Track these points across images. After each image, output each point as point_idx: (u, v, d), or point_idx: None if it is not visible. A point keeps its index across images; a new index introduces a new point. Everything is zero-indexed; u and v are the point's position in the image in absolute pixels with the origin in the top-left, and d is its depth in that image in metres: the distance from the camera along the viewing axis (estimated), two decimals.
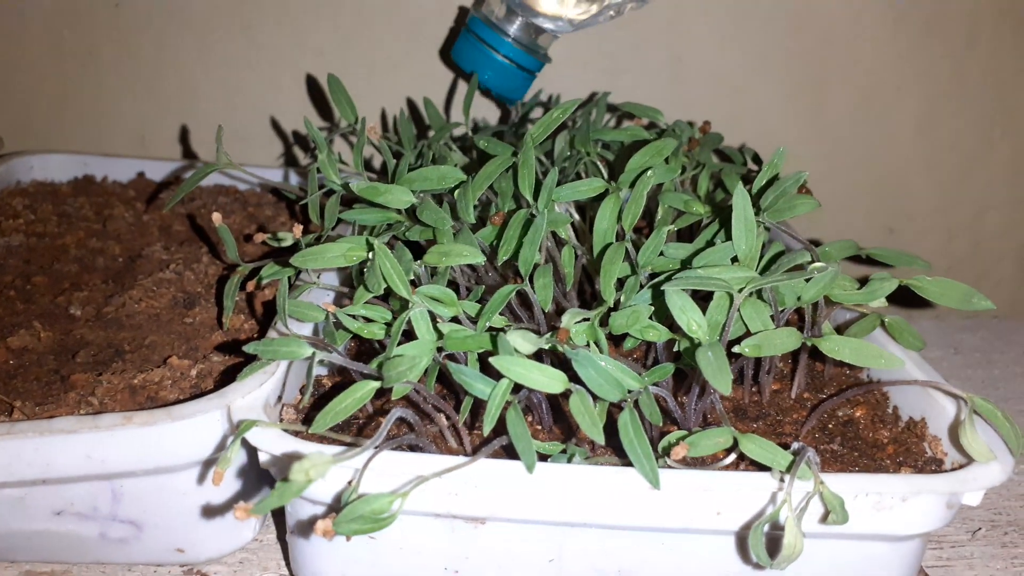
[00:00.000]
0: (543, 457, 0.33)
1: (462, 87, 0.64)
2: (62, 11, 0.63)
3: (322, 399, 0.38)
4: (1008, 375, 0.60)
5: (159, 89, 0.66)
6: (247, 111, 0.66)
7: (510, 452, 0.31)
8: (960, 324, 0.68)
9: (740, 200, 0.35)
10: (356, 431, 0.36)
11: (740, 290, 0.33)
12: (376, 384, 0.31)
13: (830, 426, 0.39)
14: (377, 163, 0.67)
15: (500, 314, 0.37)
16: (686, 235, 0.45)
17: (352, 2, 0.63)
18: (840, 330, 0.42)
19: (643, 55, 0.64)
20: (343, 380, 0.39)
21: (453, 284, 0.42)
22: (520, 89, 0.59)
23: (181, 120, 0.67)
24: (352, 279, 0.39)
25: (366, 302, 0.36)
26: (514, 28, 0.57)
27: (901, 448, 0.37)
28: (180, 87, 0.66)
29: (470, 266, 0.43)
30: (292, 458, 0.28)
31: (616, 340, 0.40)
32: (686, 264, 0.38)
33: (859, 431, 0.38)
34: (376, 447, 0.30)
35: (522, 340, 0.32)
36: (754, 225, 0.35)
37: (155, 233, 0.55)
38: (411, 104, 0.64)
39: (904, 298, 0.39)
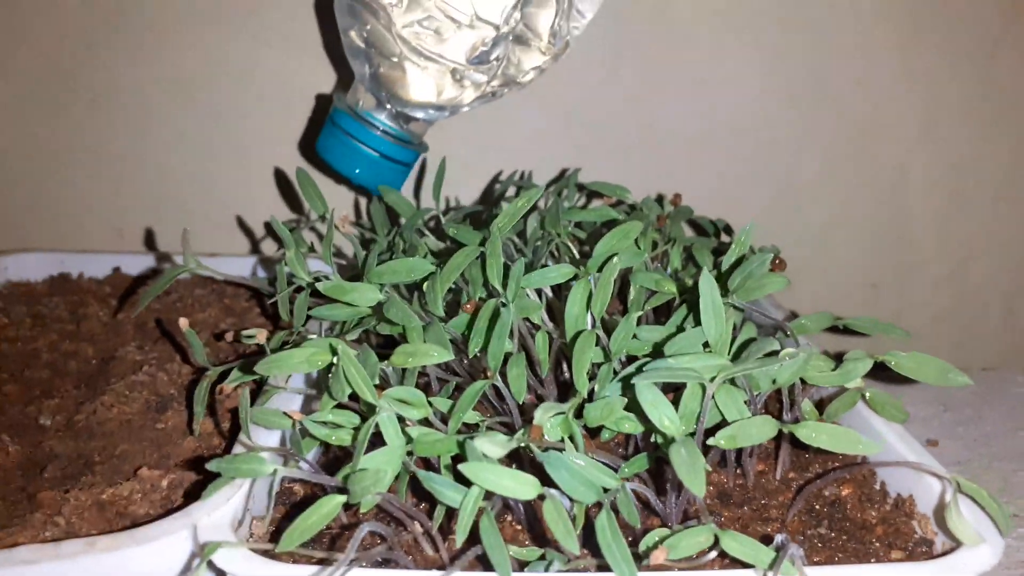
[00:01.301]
0: (522, 564, 0.32)
1: (432, 169, 0.64)
2: (36, 107, 0.64)
3: (295, 507, 0.37)
4: (1000, 431, 0.59)
5: (135, 182, 0.66)
6: (223, 200, 0.66)
7: (485, 561, 0.30)
8: None
9: (707, 287, 0.34)
10: (329, 543, 0.35)
11: (712, 379, 0.32)
12: (343, 498, 0.30)
13: (817, 507, 0.38)
14: (350, 251, 0.67)
15: (475, 408, 0.37)
16: (663, 311, 0.45)
17: (324, 90, 0.63)
18: (822, 404, 0.41)
19: (614, 126, 0.64)
20: (315, 487, 0.39)
21: (425, 375, 0.42)
22: (395, 182, 0.55)
23: (158, 212, 0.67)
24: (320, 382, 0.38)
25: (334, 406, 0.35)
26: (383, 119, 0.53)
27: (890, 529, 0.36)
28: (156, 179, 0.66)
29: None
30: None
31: (593, 431, 0.39)
32: (659, 348, 0.37)
33: (847, 512, 0.37)
34: (347, 565, 0.29)
35: (491, 445, 0.31)
36: (722, 311, 0.34)
37: (130, 332, 0.54)
38: None
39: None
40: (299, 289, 0.44)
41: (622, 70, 0.63)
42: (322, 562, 0.31)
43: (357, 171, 0.53)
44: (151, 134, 0.65)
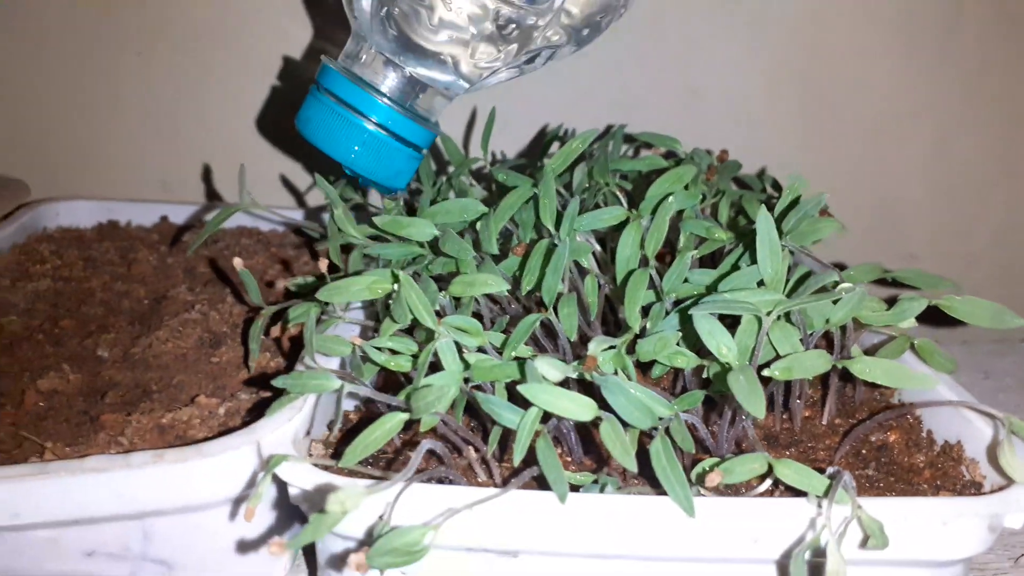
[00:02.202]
0: (575, 488, 0.32)
1: (480, 121, 0.65)
2: (85, 61, 0.65)
3: (350, 433, 0.38)
4: None
5: (181, 135, 0.67)
6: (268, 156, 0.67)
7: (541, 483, 0.30)
8: (989, 349, 0.67)
9: (764, 224, 0.35)
10: (385, 465, 0.36)
11: (768, 313, 0.33)
12: (404, 416, 0.31)
13: (864, 451, 0.38)
14: None
15: (525, 344, 0.37)
16: (708, 263, 0.45)
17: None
18: (869, 354, 0.41)
19: (657, 87, 0.65)
20: (369, 414, 0.39)
21: (477, 316, 0.42)
22: (403, 174, 0.43)
23: (202, 165, 0.68)
24: (378, 313, 0.39)
25: (392, 334, 0.36)
26: (390, 84, 0.41)
27: (938, 472, 0.36)
28: (201, 133, 0.67)
29: (493, 298, 0.43)
30: (323, 492, 0.27)
31: (643, 368, 0.40)
32: (711, 290, 0.38)
33: (894, 456, 0.38)
34: (407, 480, 0.30)
35: (550, 368, 0.32)
36: (779, 248, 0.35)
37: (179, 275, 0.55)
38: None
39: (931, 322, 0.39)
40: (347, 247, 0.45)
41: (667, 29, 0.63)
42: (382, 480, 0.32)
43: (354, 153, 0.41)
44: (197, 88, 0.66)
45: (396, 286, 0.35)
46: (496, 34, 0.39)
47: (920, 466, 0.37)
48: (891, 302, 0.38)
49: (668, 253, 0.54)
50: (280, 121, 0.66)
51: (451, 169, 0.53)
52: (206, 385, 0.42)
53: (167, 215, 0.64)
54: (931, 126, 0.66)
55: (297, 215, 0.63)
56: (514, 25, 0.39)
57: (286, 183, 0.68)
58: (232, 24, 0.64)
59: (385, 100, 0.41)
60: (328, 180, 0.44)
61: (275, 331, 0.44)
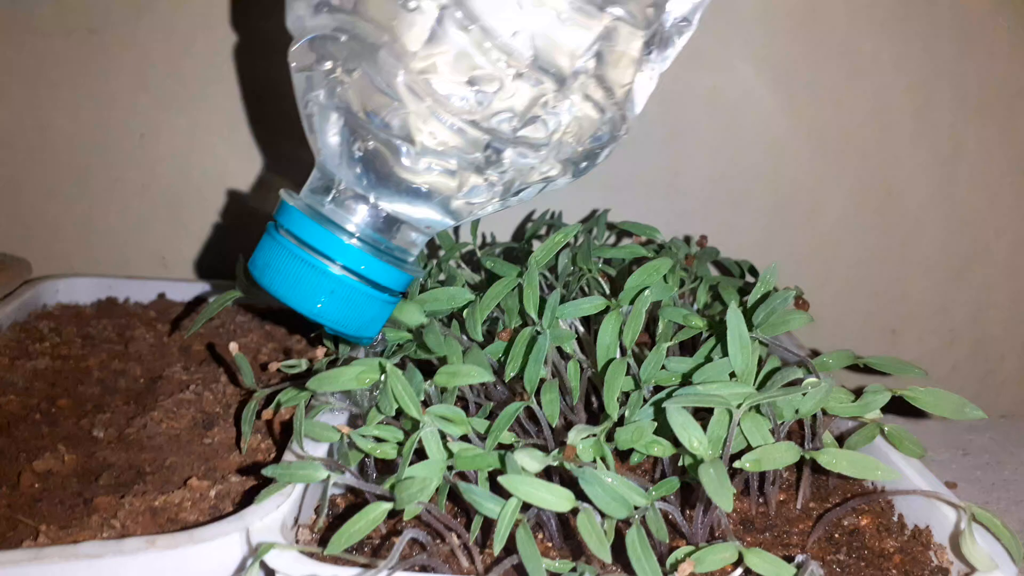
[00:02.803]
0: None
1: None
2: (89, 143, 0.67)
3: (337, 519, 0.39)
4: (1019, 476, 0.60)
5: (179, 214, 0.69)
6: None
7: (521, 572, 0.32)
8: (968, 425, 0.68)
9: (734, 319, 0.36)
10: (371, 551, 0.37)
11: (738, 406, 0.34)
12: (388, 506, 0.32)
13: (836, 536, 0.39)
14: None
15: (509, 430, 0.38)
16: (689, 347, 0.47)
17: None
18: (842, 438, 0.42)
19: (641, 170, 0.67)
20: (357, 500, 0.40)
21: (463, 400, 0.44)
22: (376, 320, 0.38)
23: (200, 242, 0.70)
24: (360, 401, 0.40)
25: (378, 423, 0.37)
26: (360, 221, 0.36)
27: (907, 558, 0.37)
28: (199, 211, 0.69)
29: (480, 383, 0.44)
30: None
31: (622, 455, 0.41)
32: (687, 378, 0.39)
33: (865, 541, 0.39)
34: (389, 569, 0.31)
35: (529, 459, 0.33)
36: (748, 342, 0.36)
37: (175, 354, 0.57)
38: None
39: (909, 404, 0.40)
40: None
41: (650, 114, 0.66)
42: (366, 567, 0.33)
43: (320, 303, 0.36)
44: (195, 170, 0.68)
45: (383, 376, 0.36)
46: (485, 168, 0.35)
47: (890, 551, 0.38)
48: (861, 390, 0.40)
49: (649, 338, 0.56)
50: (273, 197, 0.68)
51: (442, 253, 0.55)
52: (198, 467, 0.44)
53: (164, 292, 0.66)
54: (909, 207, 0.69)
55: None
56: (507, 161, 0.35)
57: None
58: (232, 110, 0.66)
59: (355, 241, 0.36)
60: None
61: (267, 414, 0.46)
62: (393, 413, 0.36)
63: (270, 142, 0.67)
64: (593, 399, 0.48)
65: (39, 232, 0.70)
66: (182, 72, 0.65)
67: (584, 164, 0.38)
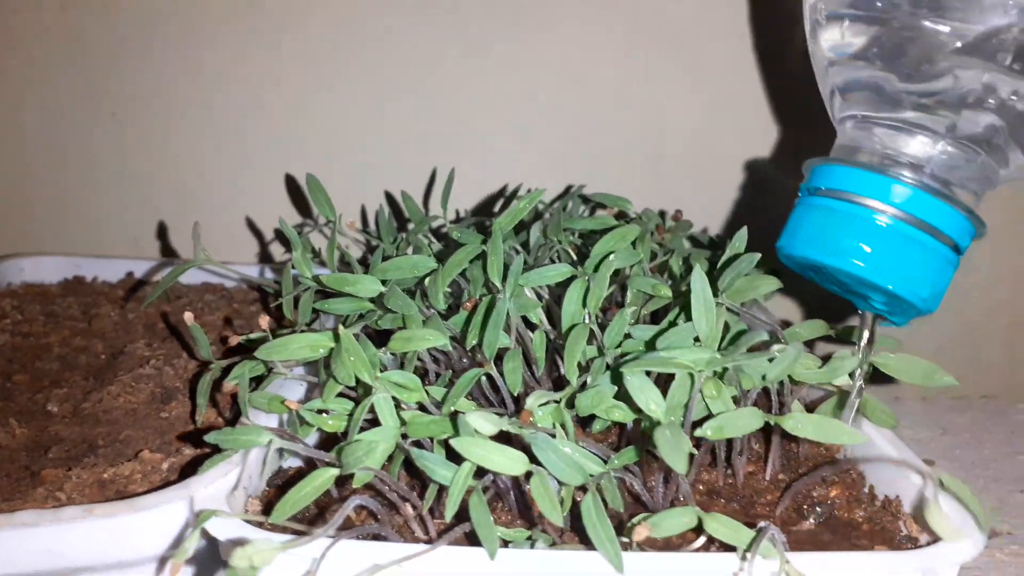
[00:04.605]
0: (507, 543, 0.32)
1: (439, 182, 0.66)
2: (62, 122, 0.66)
3: (287, 486, 0.38)
4: (998, 455, 0.59)
5: (153, 192, 0.68)
6: (236, 211, 0.68)
7: (474, 539, 0.30)
8: (949, 405, 0.67)
9: (699, 282, 0.35)
10: (324, 523, 0.36)
11: (700, 371, 0.33)
12: (335, 471, 0.31)
13: (805, 507, 0.38)
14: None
15: (471, 399, 0.37)
16: (661, 317, 0.46)
17: (338, 104, 0.65)
18: (812, 408, 0.41)
19: (622, 152, 0.66)
20: (310, 470, 0.39)
21: (422, 372, 0.43)
22: (938, 287, 0.35)
23: (173, 221, 0.69)
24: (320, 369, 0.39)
25: (337, 394, 0.36)
26: (918, 152, 0.32)
27: (876, 527, 0.36)
28: (173, 190, 0.68)
29: (442, 352, 0.43)
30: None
31: (585, 423, 0.40)
32: (652, 345, 0.38)
33: (834, 511, 0.38)
34: (330, 536, 0.30)
35: (483, 421, 0.32)
36: (713, 305, 0.35)
37: (139, 330, 0.55)
38: (391, 199, 0.66)
39: (890, 378, 0.39)
40: (306, 291, 0.46)
41: (632, 94, 0.65)
42: (303, 535, 0.31)
43: (862, 255, 0.32)
44: (169, 147, 0.67)
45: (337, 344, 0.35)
46: None
47: (859, 521, 0.37)
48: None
49: (619, 309, 0.55)
50: (265, 180, 0.67)
51: (411, 226, 0.53)
52: (153, 440, 0.42)
53: (133, 271, 0.65)
54: None
55: (253, 271, 0.63)
56: None
57: (256, 234, 0.69)
58: (207, 87, 0.65)
59: (907, 177, 0.31)
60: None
61: (228, 386, 0.45)
62: (352, 381, 0.34)
63: (245, 127, 0.66)
64: (560, 371, 0.46)
65: (10, 213, 0.68)
66: (154, 54, 0.64)
67: None
